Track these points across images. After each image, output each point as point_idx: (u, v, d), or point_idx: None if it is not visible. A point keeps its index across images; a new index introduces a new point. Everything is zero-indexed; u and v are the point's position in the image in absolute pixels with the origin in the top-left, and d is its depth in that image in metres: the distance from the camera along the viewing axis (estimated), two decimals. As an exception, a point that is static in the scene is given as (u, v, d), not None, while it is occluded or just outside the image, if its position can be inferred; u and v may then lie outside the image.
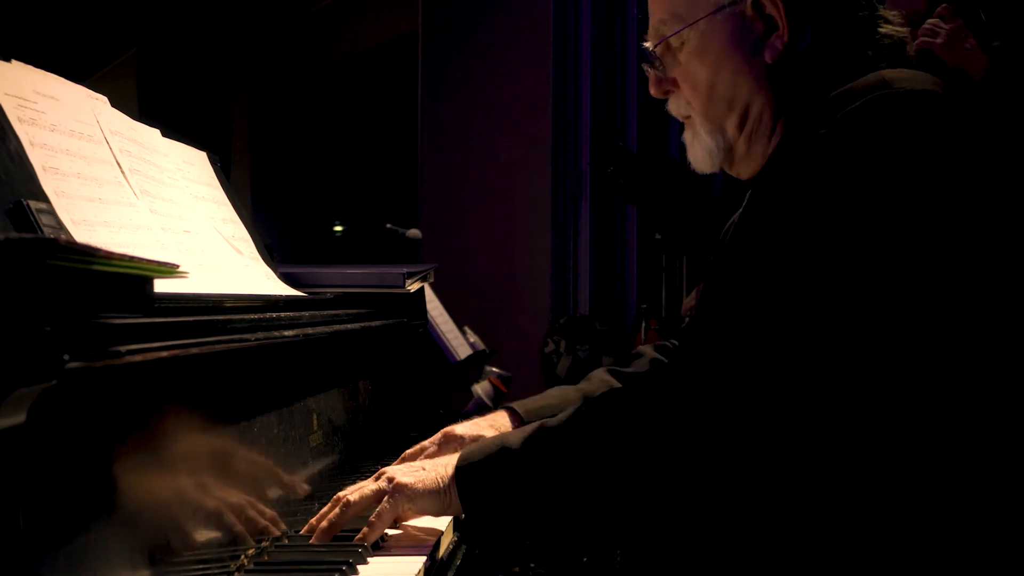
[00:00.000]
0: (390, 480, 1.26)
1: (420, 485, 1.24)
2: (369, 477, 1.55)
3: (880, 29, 1.29)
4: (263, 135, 7.47)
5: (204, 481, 1.10)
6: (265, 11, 7.09)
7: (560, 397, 1.60)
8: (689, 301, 3.88)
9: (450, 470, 1.24)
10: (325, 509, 1.27)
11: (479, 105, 5.16)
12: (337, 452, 1.59)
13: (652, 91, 1.41)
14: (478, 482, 1.23)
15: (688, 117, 1.39)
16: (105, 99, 1.33)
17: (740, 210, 1.45)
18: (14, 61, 1.16)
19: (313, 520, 1.26)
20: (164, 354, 0.95)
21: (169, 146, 1.54)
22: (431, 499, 1.24)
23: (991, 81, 2.23)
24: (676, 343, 1.70)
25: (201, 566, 1.06)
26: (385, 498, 1.23)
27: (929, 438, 1.13)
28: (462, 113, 5.25)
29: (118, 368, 0.87)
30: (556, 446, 1.21)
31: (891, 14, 1.31)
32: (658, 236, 4.27)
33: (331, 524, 1.24)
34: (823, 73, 1.27)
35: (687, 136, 1.41)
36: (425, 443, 1.49)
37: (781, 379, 1.13)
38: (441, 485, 1.24)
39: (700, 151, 1.38)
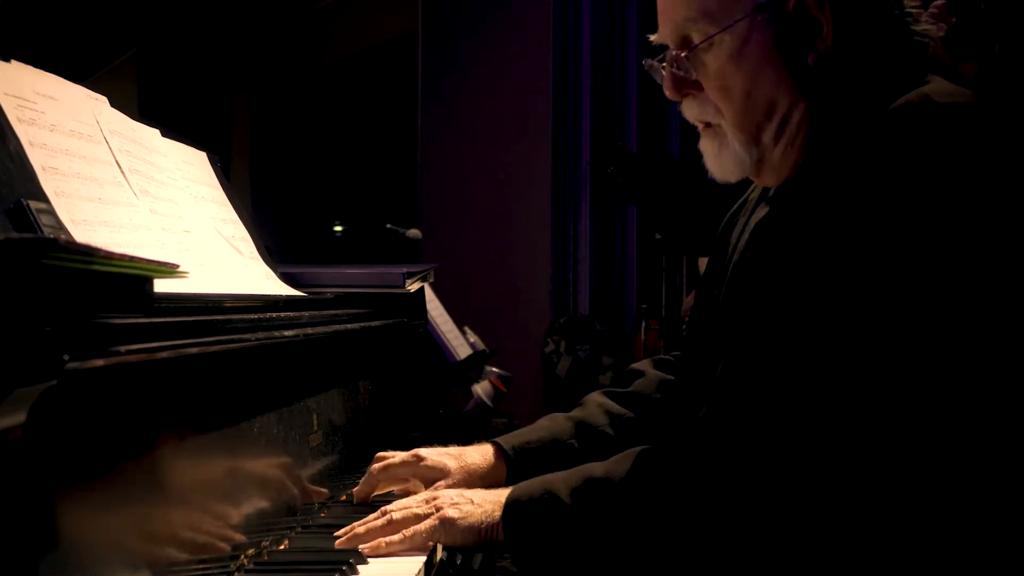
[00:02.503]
0: (436, 506, 1.26)
1: (464, 522, 1.24)
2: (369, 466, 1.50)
3: (913, 27, 1.22)
4: (263, 135, 7.48)
5: (204, 481, 1.10)
6: (265, 11, 7.09)
7: (550, 429, 1.54)
8: (689, 301, 3.88)
9: (497, 513, 1.24)
10: (371, 517, 1.27)
11: (479, 105, 5.17)
12: (337, 452, 1.59)
13: (668, 93, 1.30)
14: (527, 530, 1.23)
15: (710, 124, 1.29)
16: (105, 99, 1.33)
17: (747, 209, 1.41)
18: (14, 61, 1.15)
19: (356, 524, 1.27)
20: (164, 354, 0.95)
21: (169, 146, 1.54)
22: (470, 535, 1.25)
23: (984, 83, 2.23)
24: (676, 355, 1.63)
25: (201, 566, 1.06)
26: (426, 523, 1.24)
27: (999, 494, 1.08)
28: (462, 113, 5.25)
29: (118, 368, 0.87)
30: (607, 504, 1.19)
31: (918, 11, 1.23)
32: (658, 236, 4.27)
33: (368, 531, 1.24)
34: (860, 78, 1.21)
35: (709, 145, 1.30)
36: (395, 458, 1.46)
37: (859, 433, 1.07)
38: (485, 523, 1.24)
39: (729, 162, 1.28)
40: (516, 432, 1.55)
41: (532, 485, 1.26)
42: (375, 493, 1.47)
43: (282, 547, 1.26)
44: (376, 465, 1.47)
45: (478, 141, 5.17)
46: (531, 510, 1.23)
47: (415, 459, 1.45)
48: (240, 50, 7.35)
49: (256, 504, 1.23)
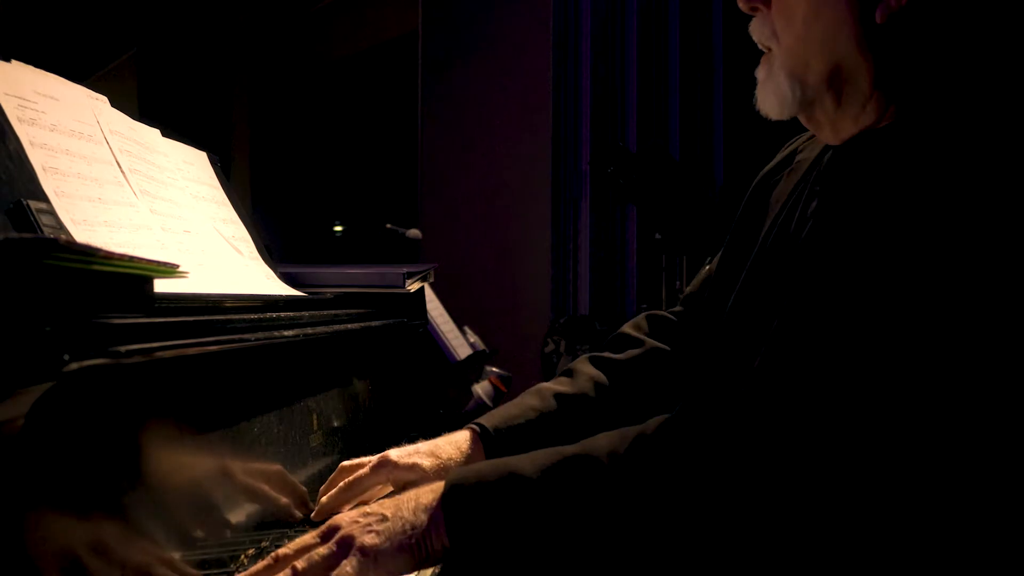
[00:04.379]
0: (346, 541, 1.00)
1: (387, 544, 0.99)
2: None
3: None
4: (263, 135, 7.48)
5: (203, 481, 1.10)
6: (265, 11, 7.09)
7: (534, 405, 1.41)
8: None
9: (421, 515, 1.01)
10: (259, 568, 1.02)
11: (479, 105, 5.17)
12: (337, 452, 1.59)
13: (740, 3, 1.22)
14: (482, 519, 1.00)
15: (769, 49, 1.21)
16: (105, 99, 1.33)
17: (795, 173, 1.32)
18: (14, 61, 1.16)
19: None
20: (164, 354, 0.95)
21: (169, 146, 1.54)
22: (402, 557, 1.00)
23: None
24: (677, 312, 1.53)
25: (200, 566, 1.06)
26: (344, 565, 0.98)
27: None
28: (462, 113, 5.25)
29: (118, 368, 0.87)
30: (593, 480, 0.99)
31: None
32: (658, 236, 4.27)
33: None
34: (946, 55, 1.10)
35: (761, 72, 1.22)
36: (362, 466, 1.33)
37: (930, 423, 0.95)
38: (413, 534, 1.00)
39: (772, 95, 1.20)
40: (497, 409, 1.42)
41: (478, 468, 1.05)
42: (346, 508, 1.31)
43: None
44: (344, 480, 1.32)
45: (478, 141, 5.17)
46: (485, 493, 1.00)
47: (385, 463, 1.32)
48: (240, 50, 7.35)
49: (256, 504, 1.23)
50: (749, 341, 1.23)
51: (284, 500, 1.32)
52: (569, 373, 1.49)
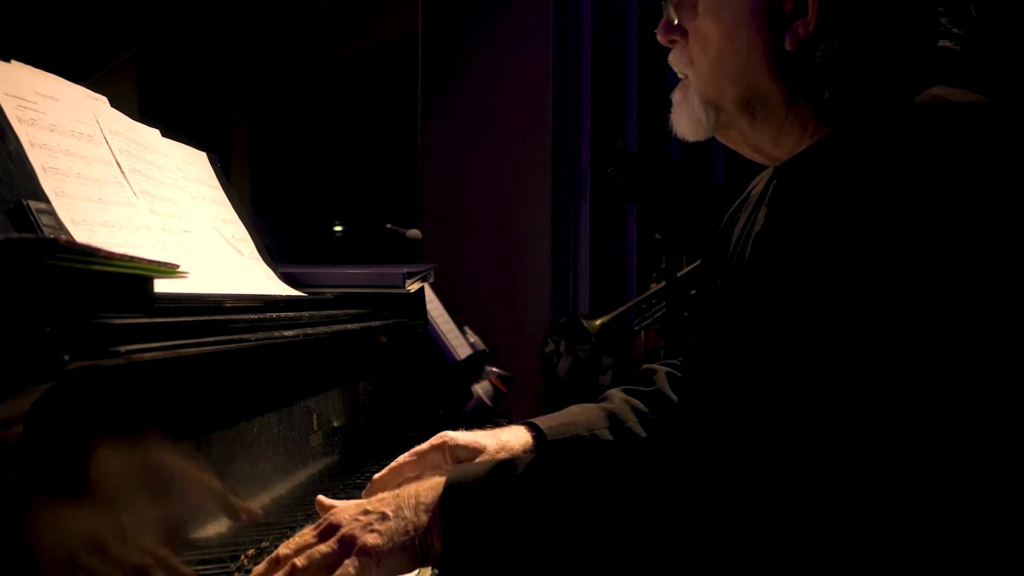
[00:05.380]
0: (347, 540, 0.99)
1: (390, 544, 0.99)
2: (370, 472, 1.34)
3: (941, 43, 1.12)
4: (263, 135, 7.48)
5: (204, 482, 1.10)
6: (265, 11, 7.09)
7: (584, 416, 1.45)
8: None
9: (422, 515, 1.00)
10: (261, 569, 1.02)
11: (479, 105, 5.16)
12: (337, 452, 1.59)
13: (659, 36, 1.25)
14: (480, 519, 0.99)
15: (685, 76, 1.24)
16: (105, 99, 1.33)
17: (748, 206, 1.37)
18: (14, 61, 1.16)
19: None
20: (164, 354, 0.95)
21: (169, 146, 1.54)
22: (404, 556, 0.99)
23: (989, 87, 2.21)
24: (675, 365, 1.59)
25: (200, 567, 1.06)
26: (346, 565, 0.98)
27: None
28: (462, 113, 5.25)
29: (118, 368, 0.87)
30: (600, 483, 0.99)
31: (953, 27, 1.13)
32: (658, 236, 4.27)
33: None
34: (856, 77, 1.11)
35: (676, 95, 1.25)
36: (423, 445, 1.32)
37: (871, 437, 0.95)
38: (415, 534, 1.00)
39: (686, 118, 1.23)
40: (549, 416, 1.44)
41: (479, 467, 1.05)
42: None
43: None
44: (404, 455, 1.30)
45: (478, 141, 5.17)
46: (483, 493, 0.99)
47: (446, 441, 1.31)
48: (240, 50, 7.35)
49: (256, 504, 1.23)
50: (711, 370, 1.26)
51: (284, 500, 1.32)
52: (606, 400, 1.52)
